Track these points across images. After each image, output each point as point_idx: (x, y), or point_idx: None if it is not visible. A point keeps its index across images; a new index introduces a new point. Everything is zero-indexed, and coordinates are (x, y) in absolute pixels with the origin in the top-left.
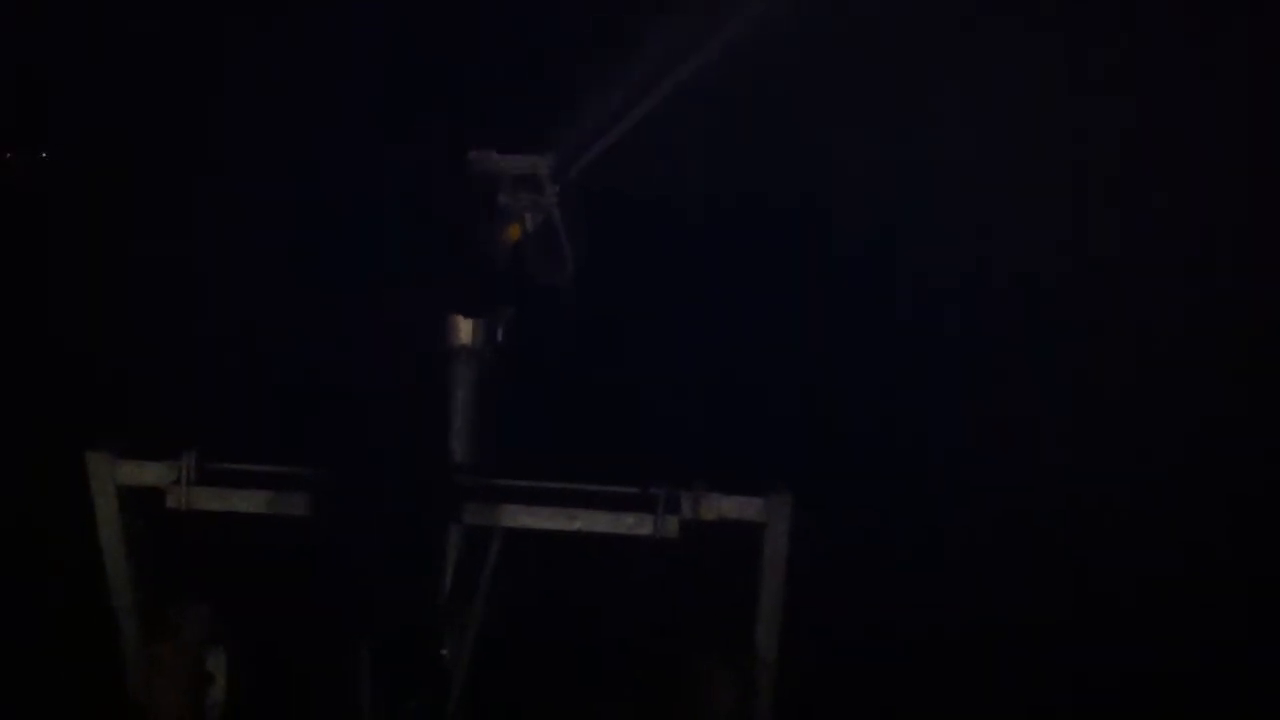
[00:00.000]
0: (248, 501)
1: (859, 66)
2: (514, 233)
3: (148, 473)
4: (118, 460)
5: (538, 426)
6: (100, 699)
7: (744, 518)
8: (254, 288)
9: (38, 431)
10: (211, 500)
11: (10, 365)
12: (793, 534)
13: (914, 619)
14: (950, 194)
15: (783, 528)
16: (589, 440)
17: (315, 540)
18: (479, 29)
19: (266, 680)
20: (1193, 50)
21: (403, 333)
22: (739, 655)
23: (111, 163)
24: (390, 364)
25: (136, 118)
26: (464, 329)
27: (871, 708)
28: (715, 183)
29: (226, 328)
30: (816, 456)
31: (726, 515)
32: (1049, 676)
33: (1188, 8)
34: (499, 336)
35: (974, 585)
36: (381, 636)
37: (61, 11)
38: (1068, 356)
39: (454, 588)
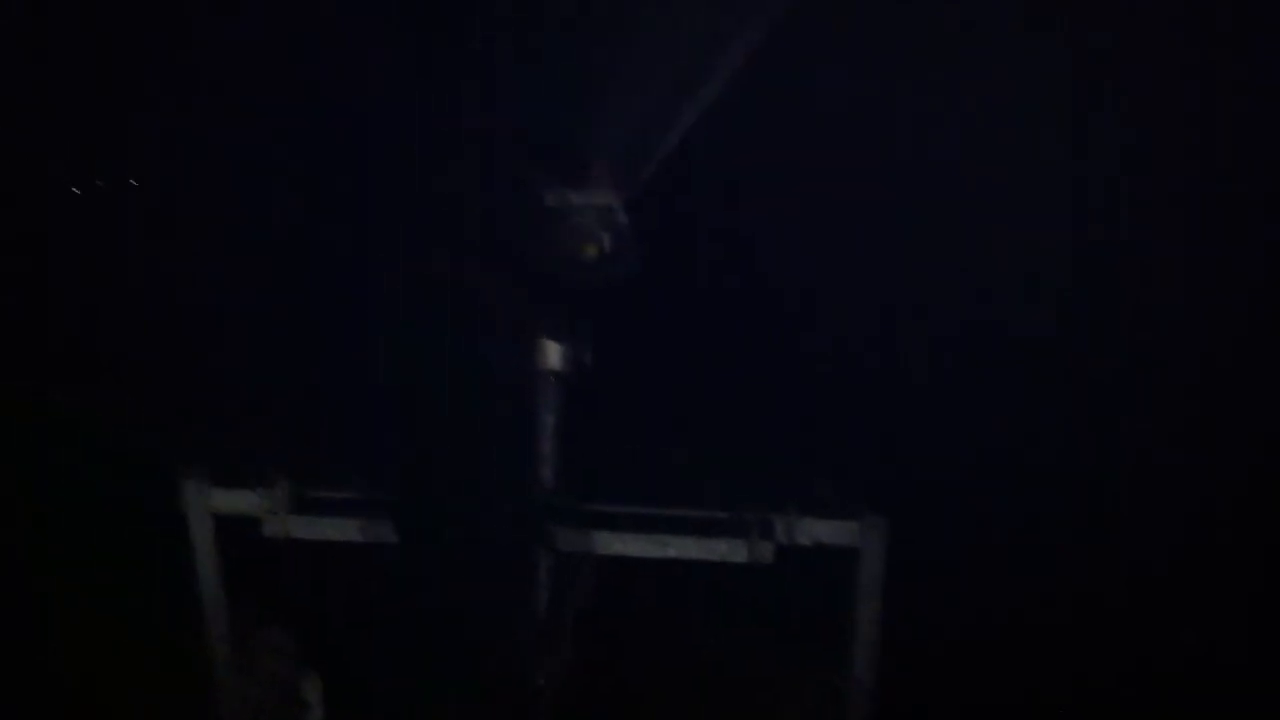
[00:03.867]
0: (342, 530)
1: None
2: (591, 252)
3: (243, 500)
4: (212, 488)
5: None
6: None
7: (838, 542)
8: (334, 314)
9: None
10: (307, 528)
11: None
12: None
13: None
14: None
15: (878, 552)
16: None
17: (407, 567)
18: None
19: (362, 708)
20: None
21: (489, 358)
22: (833, 680)
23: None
24: (477, 389)
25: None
26: (551, 353)
27: None
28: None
29: (312, 354)
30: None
31: (820, 540)
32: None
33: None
34: (586, 359)
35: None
36: (475, 664)
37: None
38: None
39: (546, 615)
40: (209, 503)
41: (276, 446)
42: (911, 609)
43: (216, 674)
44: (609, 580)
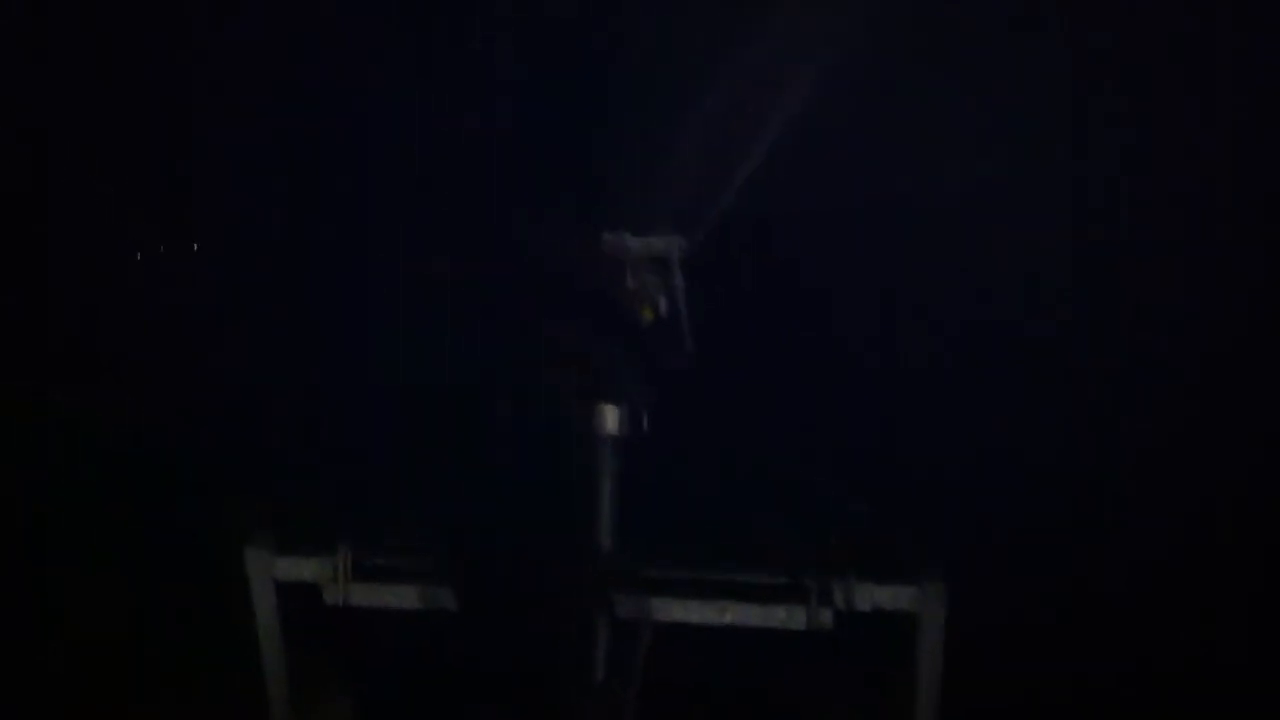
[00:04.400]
0: (402, 597)
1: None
2: (648, 315)
3: (305, 568)
4: (275, 556)
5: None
6: None
7: (898, 607)
8: (383, 377)
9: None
10: (368, 596)
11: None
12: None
13: None
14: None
15: (938, 616)
16: (717, 517)
17: (467, 631)
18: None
19: None
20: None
21: (548, 420)
22: None
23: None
24: (536, 454)
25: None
26: (611, 417)
27: None
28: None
29: (369, 418)
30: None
31: (880, 605)
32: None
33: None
34: (644, 424)
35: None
36: None
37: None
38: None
39: (604, 680)
40: (271, 570)
41: (335, 508)
42: None
43: None
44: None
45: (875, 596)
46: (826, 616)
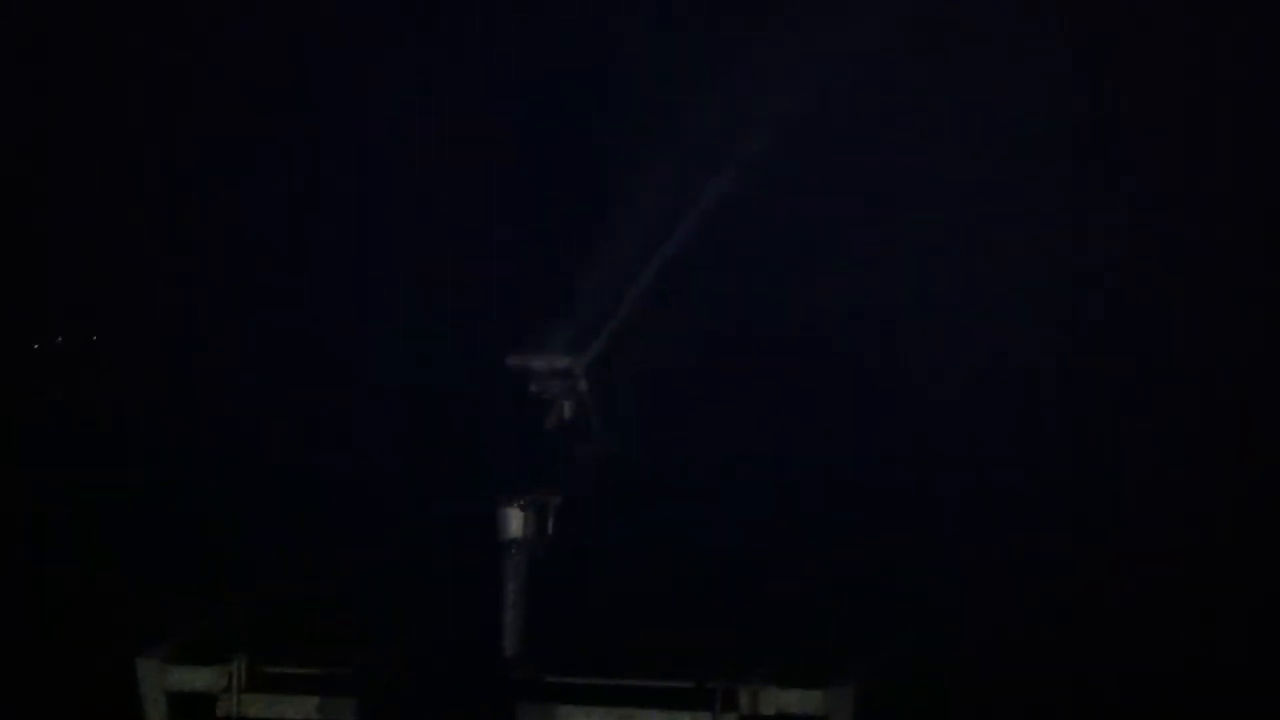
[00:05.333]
0: (297, 708)
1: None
2: (552, 419)
3: (199, 678)
4: (168, 666)
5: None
6: None
7: (804, 711)
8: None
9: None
10: (262, 708)
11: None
12: None
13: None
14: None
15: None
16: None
17: None
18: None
19: None
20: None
21: (452, 526)
22: None
23: None
24: (440, 558)
25: None
26: (515, 521)
27: None
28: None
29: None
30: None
31: (786, 709)
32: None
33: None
34: (549, 528)
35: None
36: None
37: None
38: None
39: None
40: (164, 681)
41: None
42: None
43: None
44: None
45: (781, 700)
46: None
